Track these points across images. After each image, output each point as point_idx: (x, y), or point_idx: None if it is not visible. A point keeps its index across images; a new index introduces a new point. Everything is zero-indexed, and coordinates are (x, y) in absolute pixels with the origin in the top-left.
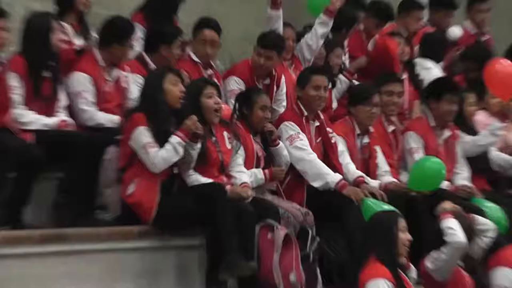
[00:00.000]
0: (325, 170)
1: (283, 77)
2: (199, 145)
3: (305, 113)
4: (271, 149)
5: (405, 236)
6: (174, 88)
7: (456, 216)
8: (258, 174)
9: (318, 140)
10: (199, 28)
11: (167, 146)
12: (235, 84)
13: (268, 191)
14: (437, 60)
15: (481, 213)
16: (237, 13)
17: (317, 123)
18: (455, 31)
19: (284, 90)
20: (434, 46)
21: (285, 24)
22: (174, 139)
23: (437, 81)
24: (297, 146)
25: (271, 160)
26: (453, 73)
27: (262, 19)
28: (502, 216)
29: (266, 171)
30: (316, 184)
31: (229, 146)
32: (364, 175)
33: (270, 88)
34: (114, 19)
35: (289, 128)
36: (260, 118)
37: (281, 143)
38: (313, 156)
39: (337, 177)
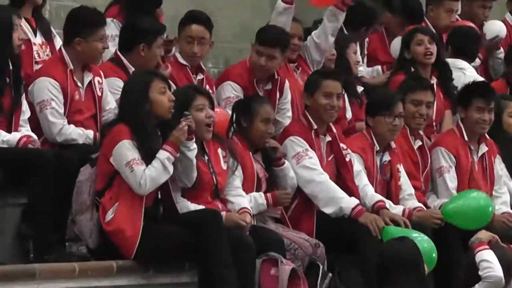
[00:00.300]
0: (338, 193)
1: (287, 81)
2: (195, 145)
3: (315, 126)
4: (274, 170)
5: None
6: (162, 98)
7: (494, 247)
8: (259, 198)
9: (330, 158)
10: (186, 23)
11: (155, 163)
12: (231, 91)
13: (271, 218)
14: (470, 59)
15: None
16: (231, 4)
17: (328, 138)
18: (494, 26)
19: (289, 97)
20: (466, 42)
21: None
22: (163, 154)
23: (466, 86)
24: (305, 165)
25: (275, 182)
26: (492, 76)
27: (261, 11)
28: None
29: (269, 195)
30: (328, 210)
31: (224, 166)
32: (384, 199)
33: (272, 95)
34: (79, 8)
35: (296, 144)
36: (261, 132)
37: (286, 162)
38: (325, 177)
39: (353, 202)
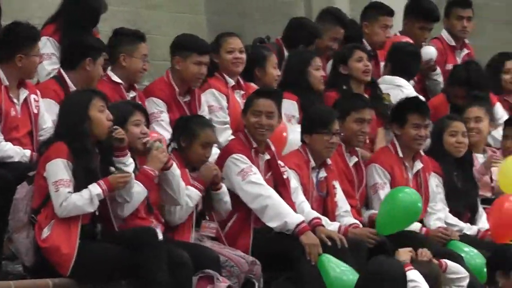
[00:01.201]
0: (286, 209)
1: (202, 95)
2: (131, 160)
3: (254, 145)
4: (211, 193)
5: None
6: (101, 116)
7: (422, 264)
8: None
9: (268, 176)
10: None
11: (85, 193)
12: (155, 107)
13: (207, 237)
14: (409, 77)
15: (458, 259)
16: (168, 22)
17: (267, 156)
18: (427, 50)
19: (206, 109)
20: (406, 60)
21: (231, 34)
22: (95, 189)
23: (401, 102)
24: (252, 181)
25: (210, 205)
26: (430, 96)
27: (198, 29)
28: (482, 262)
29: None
30: (273, 224)
31: (155, 181)
32: (320, 216)
33: (192, 107)
34: (14, 25)
35: (239, 161)
36: (199, 155)
37: (223, 187)
38: (271, 192)
39: (298, 218)
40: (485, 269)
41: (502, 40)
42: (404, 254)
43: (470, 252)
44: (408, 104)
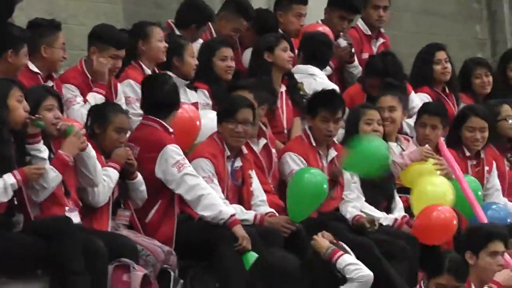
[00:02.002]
0: (218, 200)
1: (118, 84)
2: (44, 146)
3: (171, 130)
4: (127, 182)
5: None
6: (19, 106)
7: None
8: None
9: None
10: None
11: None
12: (69, 92)
13: (123, 225)
14: (322, 65)
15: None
16: (85, 12)
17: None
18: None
19: (123, 100)
20: (319, 48)
21: (151, 23)
22: (9, 179)
23: (313, 95)
24: (188, 173)
25: (125, 193)
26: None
27: (114, 20)
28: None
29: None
30: (206, 213)
31: (71, 164)
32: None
33: (108, 96)
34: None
35: (175, 153)
36: (113, 141)
37: (139, 176)
38: (206, 184)
39: (231, 210)
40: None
41: (418, 29)
42: (323, 242)
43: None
44: (320, 97)
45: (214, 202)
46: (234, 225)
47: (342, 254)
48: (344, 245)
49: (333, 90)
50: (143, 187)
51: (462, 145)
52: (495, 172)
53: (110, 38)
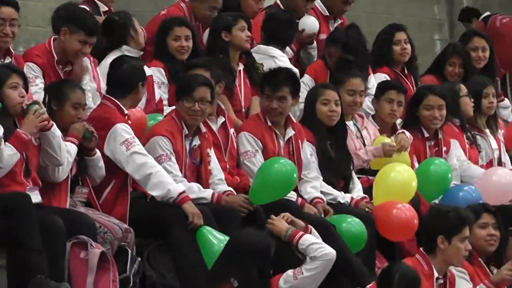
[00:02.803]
0: (167, 178)
1: (88, 65)
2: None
3: (125, 111)
4: (85, 159)
5: None
6: (13, 93)
7: None
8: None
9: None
10: None
11: None
12: (30, 71)
13: (81, 203)
14: (283, 46)
15: (329, 228)
16: None
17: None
18: (312, 23)
19: (87, 79)
20: (280, 29)
21: None
22: None
23: (271, 71)
24: (137, 152)
25: (84, 170)
26: (302, 67)
27: None
28: (361, 230)
29: None
30: (155, 192)
31: (36, 143)
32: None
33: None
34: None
35: (124, 131)
36: (71, 117)
37: (98, 152)
38: (154, 162)
39: (180, 188)
40: (364, 236)
41: (376, 10)
42: (281, 224)
43: (351, 221)
44: (265, 75)
45: (162, 180)
46: (184, 202)
47: (302, 235)
48: (302, 223)
49: (278, 68)
50: (101, 164)
51: (420, 125)
52: (452, 152)
53: (82, 21)
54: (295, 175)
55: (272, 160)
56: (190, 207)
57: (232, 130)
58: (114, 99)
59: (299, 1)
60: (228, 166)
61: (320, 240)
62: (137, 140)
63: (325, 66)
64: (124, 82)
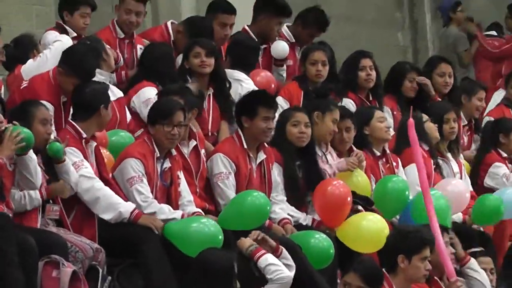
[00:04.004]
0: (116, 199)
1: None
2: None
3: (84, 135)
4: (56, 166)
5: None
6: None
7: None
8: (33, 194)
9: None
10: None
11: None
12: None
13: (52, 221)
14: (248, 70)
15: (294, 248)
16: (16, 12)
17: (94, 143)
18: (283, 48)
19: None
20: (245, 53)
21: None
22: None
23: (250, 95)
24: (83, 175)
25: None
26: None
27: (46, 21)
28: (329, 244)
29: (43, 189)
30: (107, 216)
31: (10, 168)
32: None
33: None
34: None
35: (73, 155)
36: (41, 134)
37: (67, 159)
38: (102, 185)
39: (131, 206)
40: (332, 251)
41: (343, 34)
42: (248, 240)
43: (319, 237)
44: (258, 97)
45: (111, 202)
46: (138, 219)
47: (263, 254)
48: (273, 243)
49: (265, 91)
50: (72, 168)
51: (370, 145)
52: (402, 169)
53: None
54: (268, 208)
55: (247, 192)
56: (144, 220)
57: (203, 151)
58: (74, 123)
59: (271, 25)
60: (198, 190)
61: (278, 262)
62: (85, 163)
63: (299, 88)
64: (86, 106)
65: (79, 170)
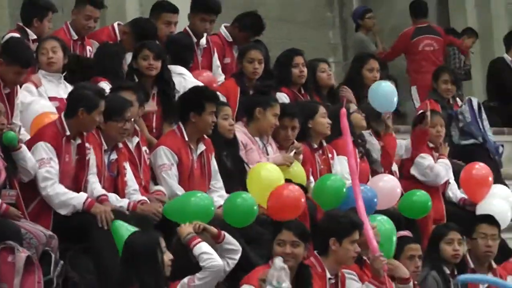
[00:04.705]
0: (68, 196)
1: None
2: None
3: (67, 133)
4: (13, 154)
5: (166, 257)
6: None
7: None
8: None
9: (76, 158)
10: None
11: None
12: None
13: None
14: (186, 65)
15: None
16: None
17: (78, 141)
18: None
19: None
20: (182, 50)
21: None
22: None
23: (196, 92)
24: (44, 175)
25: (16, 169)
26: None
27: (1, 20)
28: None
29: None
30: (63, 212)
31: None
32: (107, 194)
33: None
34: None
35: (44, 150)
36: None
37: (24, 146)
38: (56, 184)
39: (83, 196)
40: (256, 208)
41: (277, 36)
42: (186, 228)
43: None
44: (205, 93)
45: (63, 200)
46: (91, 206)
47: (199, 242)
48: (214, 230)
49: (209, 88)
50: (29, 155)
51: (309, 138)
52: (335, 158)
53: (18, 56)
54: (212, 208)
55: (190, 193)
56: (96, 208)
57: (144, 148)
58: (62, 119)
59: (198, 23)
60: (143, 182)
61: (211, 251)
62: (52, 162)
63: (236, 84)
64: (68, 105)
65: (43, 167)
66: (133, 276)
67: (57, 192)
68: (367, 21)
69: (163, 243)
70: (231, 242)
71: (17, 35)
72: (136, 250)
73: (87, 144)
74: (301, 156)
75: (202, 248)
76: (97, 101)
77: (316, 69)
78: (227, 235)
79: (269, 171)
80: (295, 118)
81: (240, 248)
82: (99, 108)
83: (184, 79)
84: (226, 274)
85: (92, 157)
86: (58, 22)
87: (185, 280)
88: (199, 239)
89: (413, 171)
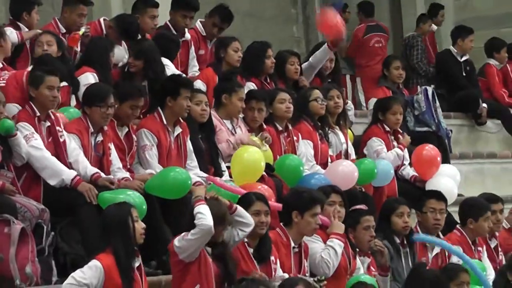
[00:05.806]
0: (60, 167)
1: None
2: None
3: (38, 114)
4: (9, 141)
5: (138, 226)
6: None
7: (210, 202)
8: None
9: (49, 140)
10: None
11: None
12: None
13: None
14: (171, 57)
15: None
16: None
17: (48, 124)
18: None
19: None
20: (167, 44)
21: None
22: None
23: (173, 79)
24: (34, 146)
25: (11, 153)
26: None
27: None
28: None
29: None
30: (52, 181)
31: None
32: (99, 171)
33: None
34: None
35: (24, 128)
36: None
37: (18, 133)
38: (49, 155)
39: (72, 173)
40: (189, 183)
41: (246, 30)
42: (200, 190)
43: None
44: (180, 80)
45: (56, 170)
46: (78, 185)
47: (201, 203)
48: (239, 208)
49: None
50: (23, 141)
51: (274, 121)
52: (301, 141)
53: None
54: (189, 182)
55: (171, 168)
56: (82, 186)
57: (134, 137)
58: (31, 104)
59: (179, 19)
60: (128, 166)
61: (206, 212)
62: (36, 135)
63: (214, 73)
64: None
65: (30, 141)
66: (107, 241)
67: (52, 161)
68: (347, 14)
69: (135, 213)
70: (243, 215)
71: (11, 29)
72: (109, 219)
73: (58, 128)
74: (269, 139)
75: (200, 209)
76: (41, 76)
77: (286, 61)
78: (239, 208)
79: (251, 154)
80: (260, 101)
81: (252, 223)
82: (45, 83)
83: (168, 69)
84: (236, 244)
85: (68, 140)
86: (49, 18)
87: (183, 234)
88: (203, 202)
89: (364, 150)
